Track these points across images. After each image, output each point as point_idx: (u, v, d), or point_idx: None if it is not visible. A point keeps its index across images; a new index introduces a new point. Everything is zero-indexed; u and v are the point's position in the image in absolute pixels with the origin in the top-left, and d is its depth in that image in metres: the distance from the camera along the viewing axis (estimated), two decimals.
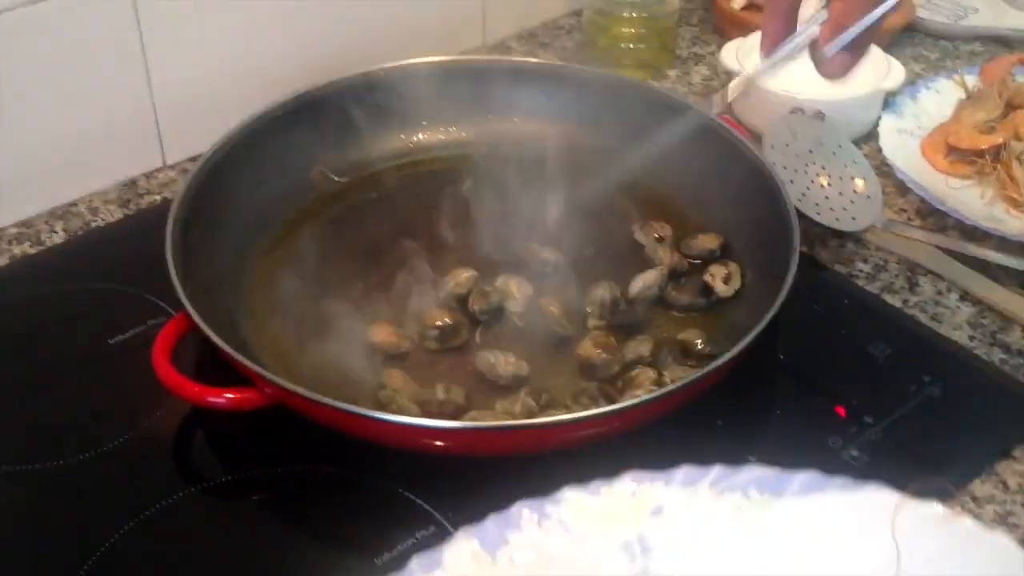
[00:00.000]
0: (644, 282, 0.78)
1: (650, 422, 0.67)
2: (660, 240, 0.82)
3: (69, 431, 0.71)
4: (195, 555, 0.65)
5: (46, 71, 0.82)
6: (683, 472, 0.59)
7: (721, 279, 0.78)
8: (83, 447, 0.69)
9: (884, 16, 0.70)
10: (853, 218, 0.85)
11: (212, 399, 0.67)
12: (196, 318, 0.67)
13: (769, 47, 0.76)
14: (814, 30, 0.73)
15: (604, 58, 1.05)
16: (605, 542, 0.56)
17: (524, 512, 0.57)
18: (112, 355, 0.76)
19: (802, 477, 0.59)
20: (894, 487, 0.57)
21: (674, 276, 0.80)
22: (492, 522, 0.56)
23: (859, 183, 0.86)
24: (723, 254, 0.81)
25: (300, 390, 0.64)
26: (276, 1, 0.91)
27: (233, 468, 0.69)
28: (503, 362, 0.72)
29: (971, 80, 0.98)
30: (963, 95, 0.97)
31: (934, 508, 0.56)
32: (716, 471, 0.59)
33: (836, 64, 0.72)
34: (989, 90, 0.94)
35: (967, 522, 0.56)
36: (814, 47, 0.73)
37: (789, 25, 0.74)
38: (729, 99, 0.84)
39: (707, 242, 0.82)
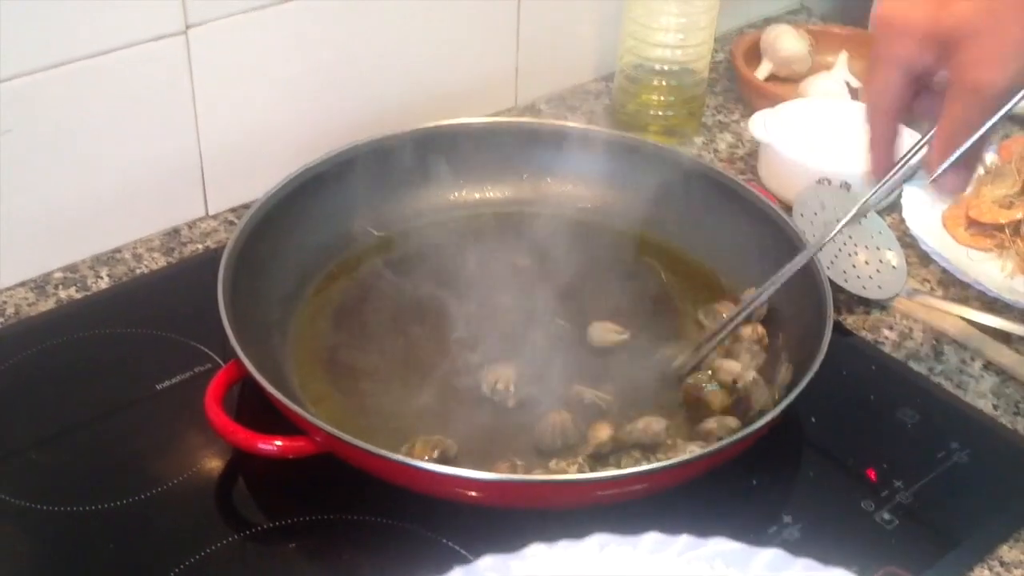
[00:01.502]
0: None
1: (686, 483, 0.69)
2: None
3: (116, 475, 0.72)
4: None
5: (100, 120, 0.84)
6: (651, 539, 0.60)
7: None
8: (130, 491, 0.71)
9: (993, 127, 0.68)
10: (879, 287, 0.88)
11: (263, 446, 0.69)
12: (251, 367, 0.69)
13: (876, 176, 0.75)
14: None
15: (632, 123, 1.07)
16: None
17: (488, 567, 0.58)
18: (159, 400, 0.77)
19: (768, 555, 0.59)
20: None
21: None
22: (457, 574, 0.58)
23: (886, 254, 0.89)
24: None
25: (354, 441, 0.65)
26: (320, 61, 0.94)
27: (276, 515, 0.71)
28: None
29: (989, 156, 1.01)
30: (981, 171, 1.00)
31: None
32: (684, 541, 0.60)
33: (950, 183, 0.71)
34: (1008, 166, 0.97)
35: None
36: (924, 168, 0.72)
37: (891, 154, 0.73)
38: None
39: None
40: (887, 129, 0.72)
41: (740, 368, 0.78)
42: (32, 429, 0.75)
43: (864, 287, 0.87)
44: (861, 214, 0.88)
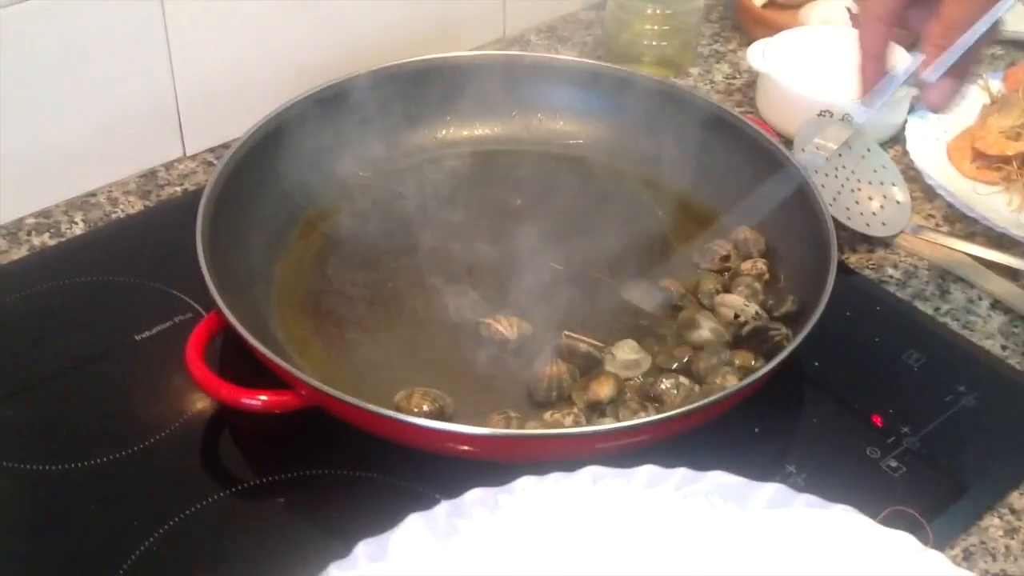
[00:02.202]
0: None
1: (688, 431, 0.67)
2: (725, 260, 0.80)
3: (96, 431, 0.70)
4: (228, 560, 0.64)
5: (69, 59, 0.81)
6: (646, 472, 0.58)
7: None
8: (111, 448, 0.68)
9: (987, 35, 0.67)
10: (883, 223, 0.85)
11: (247, 401, 0.66)
12: (232, 319, 0.66)
13: (865, 90, 0.74)
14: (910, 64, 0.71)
15: (625, 54, 1.04)
16: (558, 535, 0.54)
17: (476, 501, 0.56)
18: (139, 352, 0.74)
19: (769, 489, 0.57)
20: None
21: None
22: (443, 509, 0.55)
23: (891, 189, 0.86)
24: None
25: (342, 395, 0.63)
26: None
27: (263, 471, 0.68)
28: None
29: (995, 85, 0.98)
30: (987, 99, 0.97)
31: (904, 538, 0.55)
32: (680, 474, 0.58)
33: (941, 92, 0.69)
34: (1015, 96, 0.94)
35: (936, 556, 0.54)
36: (915, 77, 0.71)
37: (882, 66, 0.73)
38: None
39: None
40: (878, 37, 0.71)
41: (741, 302, 0.76)
42: (5, 384, 0.72)
43: (868, 224, 0.85)
44: (859, 134, 0.85)
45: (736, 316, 0.75)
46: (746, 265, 0.79)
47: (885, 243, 0.86)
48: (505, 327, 0.74)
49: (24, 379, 0.72)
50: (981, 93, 0.98)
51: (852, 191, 0.86)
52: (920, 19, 0.70)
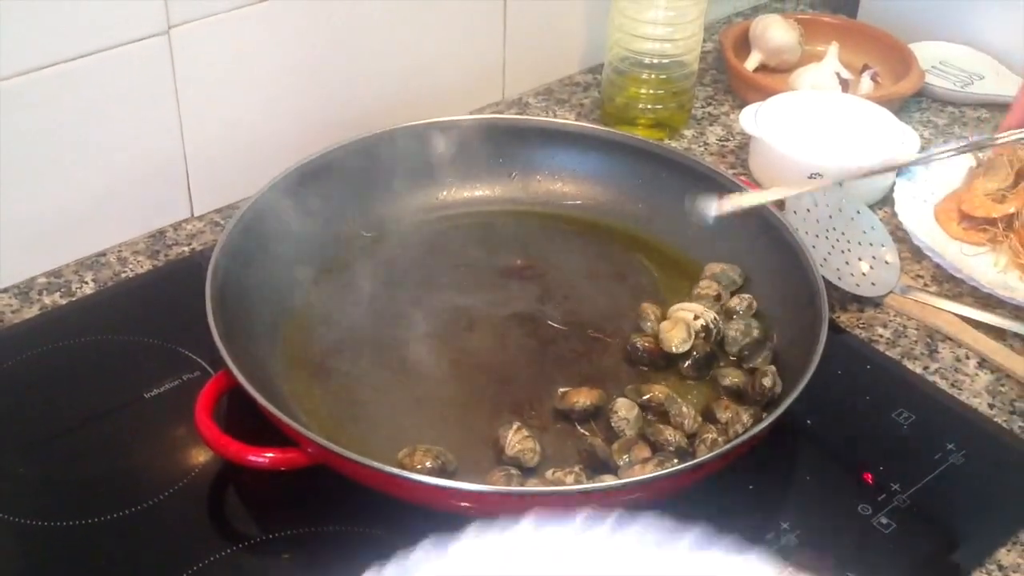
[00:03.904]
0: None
1: (686, 488, 0.69)
2: (717, 299, 0.83)
3: (105, 488, 0.71)
4: None
5: (82, 122, 0.83)
6: (583, 517, 0.59)
7: (770, 377, 0.77)
8: (120, 505, 0.70)
9: None
10: (872, 284, 0.87)
11: (254, 459, 0.68)
12: (242, 380, 0.68)
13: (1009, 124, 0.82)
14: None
15: (620, 116, 1.06)
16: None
17: (427, 549, 0.57)
18: (148, 409, 0.76)
19: (693, 533, 0.58)
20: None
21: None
22: (395, 563, 0.57)
23: (880, 250, 0.88)
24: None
25: (347, 453, 0.65)
26: (303, 59, 0.92)
27: (269, 527, 0.70)
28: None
29: None
30: (974, 163, 0.99)
31: None
32: (614, 518, 0.59)
33: None
34: (1000, 159, 0.97)
35: None
36: None
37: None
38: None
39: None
40: None
41: (700, 308, 0.81)
42: (17, 441, 0.74)
43: (858, 284, 0.87)
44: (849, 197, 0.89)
45: (696, 317, 0.79)
46: (734, 301, 0.83)
47: (875, 303, 0.88)
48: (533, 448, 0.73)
49: (35, 435, 0.74)
50: (968, 156, 1.01)
51: (842, 252, 0.88)
52: None
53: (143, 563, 0.67)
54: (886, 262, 0.88)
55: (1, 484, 0.71)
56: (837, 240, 0.89)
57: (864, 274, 0.88)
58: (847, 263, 0.88)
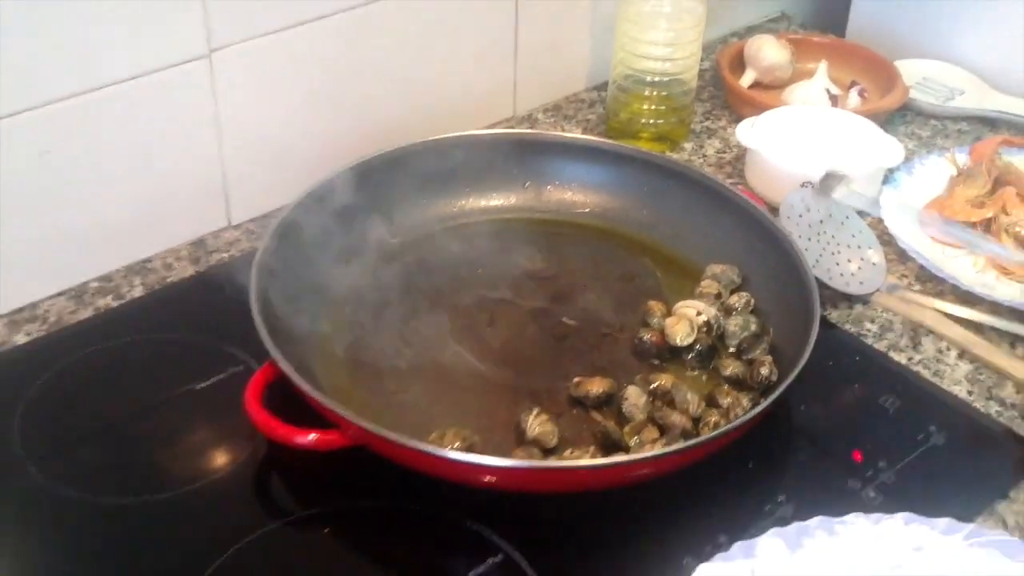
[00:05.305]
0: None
1: (687, 465, 0.75)
2: (718, 297, 0.90)
3: (160, 469, 0.78)
4: None
5: (130, 139, 0.90)
6: (945, 522, 0.69)
7: (767, 367, 0.84)
8: (174, 485, 0.77)
9: None
10: (860, 283, 0.94)
11: (299, 439, 0.74)
12: (287, 369, 0.75)
13: None
14: None
15: (624, 130, 1.14)
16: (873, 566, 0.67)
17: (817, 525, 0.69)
18: (197, 400, 0.83)
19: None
20: None
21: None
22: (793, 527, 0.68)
23: (867, 252, 0.95)
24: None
25: (385, 432, 0.71)
26: (332, 79, 1.00)
27: (310, 504, 0.76)
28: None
29: (961, 158, 1.08)
30: (954, 171, 1.07)
31: None
32: (971, 528, 0.69)
33: None
34: (978, 168, 1.04)
35: None
36: None
37: None
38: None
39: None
40: None
41: (702, 305, 0.88)
42: (80, 429, 0.80)
43: (847, 284, 0.94)
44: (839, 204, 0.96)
45: (698, 313, 0.86)
46: (733, 299, 0.90)
47: (863, 301, 0.95)
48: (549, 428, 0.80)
49: (96, 424, 0.81)
50: (949, 165, 1.08)
51: (833, 254, 0.95)
52: None
53: (198, 536, 0.74)
54: (873, 263, 0.95)
55: (68, 466, 0.77)
56: (828, 243, 0.96)
57: (853, 274, 0.95)
58: (837, 264, 0.95)
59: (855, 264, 0.95)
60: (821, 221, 0.97)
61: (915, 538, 0.69)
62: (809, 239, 0.95)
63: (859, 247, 0.96)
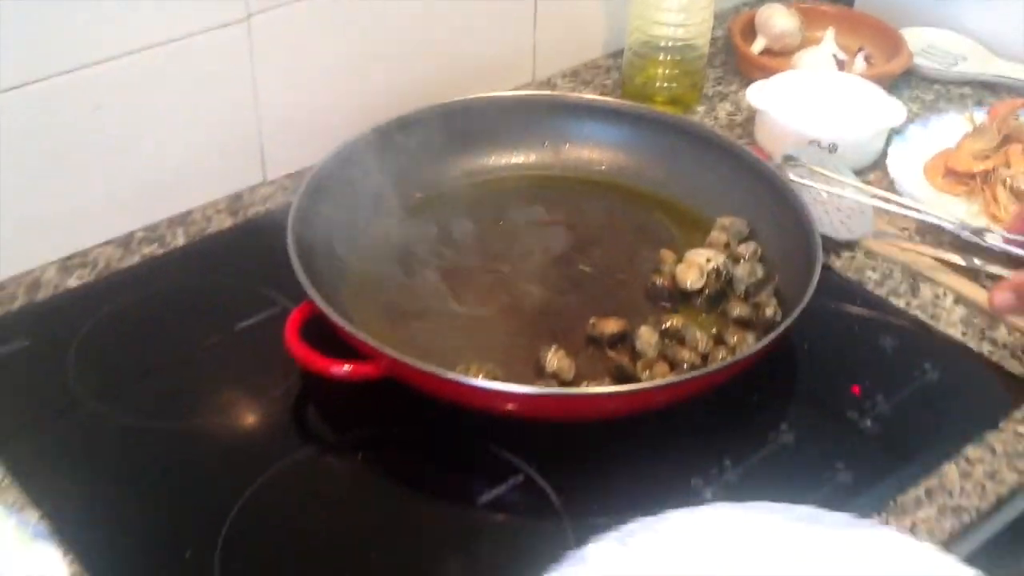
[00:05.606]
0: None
1: (696, 396, 0.81)
2: (727, 247, 0.95)
3: (207, 399, 0.84)
4: (317, 499, 0.78)
5: (173, 98, 0.96)
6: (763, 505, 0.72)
7: (772, 308, 0.90)
8: (219, 412, 0.83)
9: None
10: (849, 229, 1.00)
11: (335, 370, 0.80)
12: (324, 306, 0.80)
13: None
14: None
15: (640, 94, 1.19)
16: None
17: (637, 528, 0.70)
18: (240, 338, 0.89)
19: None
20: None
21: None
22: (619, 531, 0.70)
23: (854, 202, 1.01)
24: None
25: (416, 363, 0.77)
26: (362, 43, 1.06)
27: (342, 431, 0.83)
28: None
29: (979, 117, 1.13)
30: (969, 127, 1.11)
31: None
32: (785, 506, 0.71)
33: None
34: (990, 124, 1.09)
35: None
36: None
37: None
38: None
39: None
40: None
41: (711, 253, 0.93)
42: (129, 364, 0.87)
43: (836, 230, 0.99)
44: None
45: (708, 260, 0.92)
46: (741, 248, 0.95)
47: (866, 250, 1.00)
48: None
49: (143, 361, 0.87)
50: (965, 123, 1.13)
51: (822, 203, 1.00)
52: None
53: (240, 458, 0.80)
54: (860, 212, 1.00)
55: (123, 397, 0.83)
56: (820, 193, 1.00)
57: (842, 222, 1.00)
58: (827, 212, 1.00)
59: (844, 213, 1.00)
60: (813, 173, 1.02)
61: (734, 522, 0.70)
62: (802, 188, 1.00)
63: (848, 197, 1.01)
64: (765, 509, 0.70)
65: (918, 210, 0.99)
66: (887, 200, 1.00)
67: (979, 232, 0.97)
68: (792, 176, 0.99)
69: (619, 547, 0.68)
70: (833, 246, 0.99)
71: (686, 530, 0.69)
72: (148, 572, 0.72)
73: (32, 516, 0.74)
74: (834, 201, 1.00)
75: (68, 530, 0.73)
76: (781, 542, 0.69)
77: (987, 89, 1.24)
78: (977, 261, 0.97)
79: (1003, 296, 0.88)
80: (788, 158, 1.03)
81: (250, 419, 0.83)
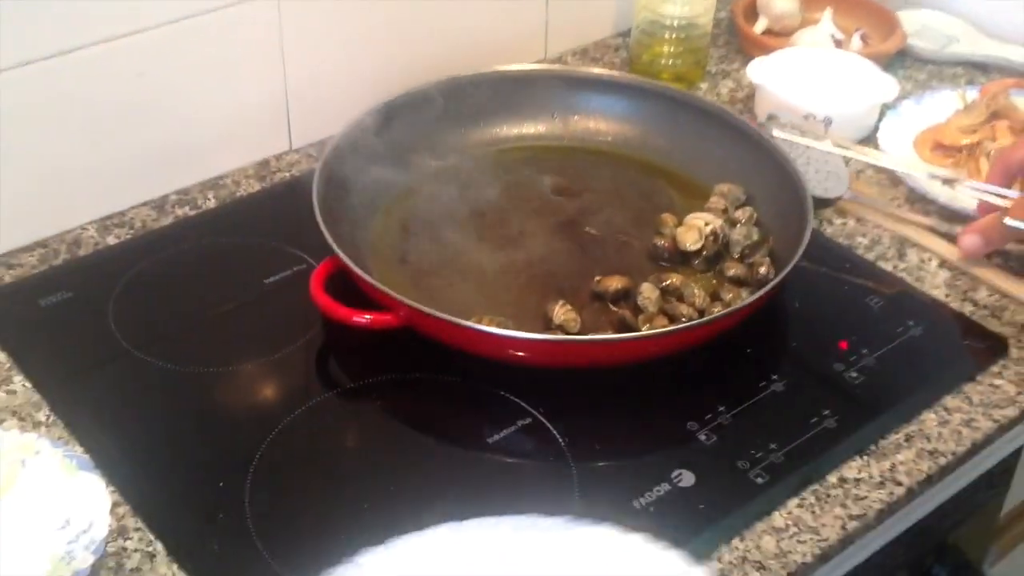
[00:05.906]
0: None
1: (693, 346, 0.87)
2: (724, 212, 1.01)
3: (237, 346, 0.90)
4: (339, 440, 0.85)
5: (205, 69, 1.02)
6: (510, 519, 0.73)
7: (765, 267, 0.95)
8: (248, 358, 0.89)
9: None
10: (826, 190, 1.06)
11: (357, 319, 0.86)
12: (346, 259, 0.87)
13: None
14: None
15: (646, 72, 1.24)
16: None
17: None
18: (268, 292, 0.95)
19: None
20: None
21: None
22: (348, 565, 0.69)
23: (831, 166, 1.07)
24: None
25: (434, 311, 0.83)
26: (382, 20, 1.11)
27: (360, 377, 0.88)
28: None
29: (972, 95, 1.18)
30: (961, 105, 1.16)
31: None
32: (521, 518, 0.72)
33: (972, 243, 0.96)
34: (980, 101, 1.14)
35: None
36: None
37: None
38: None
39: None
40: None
41: (709, 216, 0.98)
42: (164, 315, 0.93)
43: (814, 189, 1.04)
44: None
45: (706, 224, 0.97)
46: (738, 213, 1.00)
47: (857, 217, 1.05)
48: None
49: (177, 313, 0.93)
50: (958, 100, 1.18)
51: (803, 167, 1.06)
52: None
53: (266, 401, 0.87)
54: (837, 175, 1.07)
55: (161, 343, 0.90)
56: (799, 156, 1.06)
57: (820, 183, 1.06)
58: (806, 173, 1.05)
59: (823, 175, 1.06)
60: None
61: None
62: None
63: (827, 162, 1.07)
64: (485, 524, 0.72)
65: (890, 166, 1.06)
66: (863, 154, 1.08)
67: (949, 181, 1.03)
68: (775, 133, 1.05)
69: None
70: (827, 216, 1.05)
71: (412, 556, 0.71)
72: (186, 498, 0.78)
73: (77, 449, 0.80)
74: (813, 164, 1.07)
75: (110, 464, 0.79)
76: (503, 552, 0.71)
77: (978, 69, 1.29)
78: (959, 229, 1.02)
79: (971, 239, 0.95)
80: (771, 116, 1.08)
81: (277, 366, 0.89)
